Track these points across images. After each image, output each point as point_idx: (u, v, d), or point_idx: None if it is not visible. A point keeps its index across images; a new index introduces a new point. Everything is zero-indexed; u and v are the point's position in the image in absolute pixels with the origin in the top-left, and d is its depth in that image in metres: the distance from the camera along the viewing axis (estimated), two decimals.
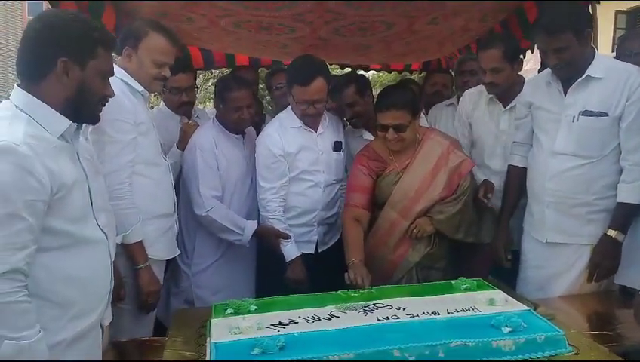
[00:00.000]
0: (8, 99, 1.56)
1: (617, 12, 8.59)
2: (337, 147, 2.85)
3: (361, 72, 4.49)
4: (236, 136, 2.86)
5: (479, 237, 2.56)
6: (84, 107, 1.60)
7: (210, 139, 2.75)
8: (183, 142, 2.87)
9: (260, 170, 2.71)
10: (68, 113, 1.56)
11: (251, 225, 2.71)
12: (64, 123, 1.55)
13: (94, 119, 1.67)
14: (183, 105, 3.07)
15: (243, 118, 2.77)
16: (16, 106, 1.51)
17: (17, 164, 1.39)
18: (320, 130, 2.78)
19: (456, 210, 2.46)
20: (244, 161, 2.84)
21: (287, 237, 2.69)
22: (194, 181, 2.70)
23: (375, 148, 2.61)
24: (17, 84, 1.56)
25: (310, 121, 2.72)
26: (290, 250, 2.68)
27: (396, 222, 2.51)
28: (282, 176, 2.69)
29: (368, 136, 3.02)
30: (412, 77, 6.07)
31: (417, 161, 2.51)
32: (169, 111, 3.08)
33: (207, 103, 10.58)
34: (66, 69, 1.52)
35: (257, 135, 2.88)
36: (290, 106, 2.78)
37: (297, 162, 2.71)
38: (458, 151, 2.56)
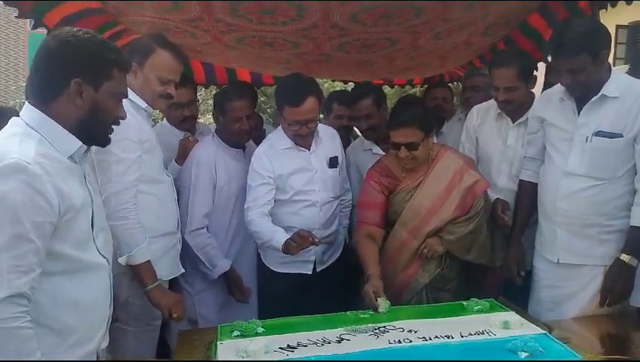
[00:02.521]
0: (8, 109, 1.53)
1: (618, 26, 8.63)
2: (333, 163, 2.77)
3: None
4: (236, 149, 2.82)
5: (492, 260, 2.50)
6: (95, 128, 1.57)
7: (209, 154, 2.71)
8: (181, 157, 2.83)
9: (248, 192, 2.63)
10: (79, 134, 1.53)
11: (222, 267, 2.66)
12: (75, 144, 1.52)
13: (105, 141, 1.64)
14: (186, 120, 3.03)
15: (243, 129, 2.73)
16: (27, 124, 1.48)
17: (28, 183, 1.35)
18: (313, 147, 2.70)
19: (468, 231, 2.41)
20: (246, 175, 2.77)
21: (248, 293, 2.68)
22: (186, 199, 2.65)
23: (387, 163, 2.57)
24: (29, 101, 1.52)
25: (302, 141, 2.65)
26: (280, 240, 2.38)
27: (406, 241, 2.46)
28: (266, 197, 2.59)
29: (377, 150, 2.97)
30: (412, 91, 6.07)
31: (430, 180, 2.46)
32: (169, 128, 3.04)
33: (207, 116, 10.61)
34: (79, 90, 1.49)
35: None
36: (280, 125, 2.71)
37: (291, 183, 2.63)
38: (473, 170, 2.52)
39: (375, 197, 2.52)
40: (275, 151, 2.64)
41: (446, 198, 2.43)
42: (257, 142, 2.99)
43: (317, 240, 2.34)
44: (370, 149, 3.04)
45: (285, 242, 2.36)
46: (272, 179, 2.60)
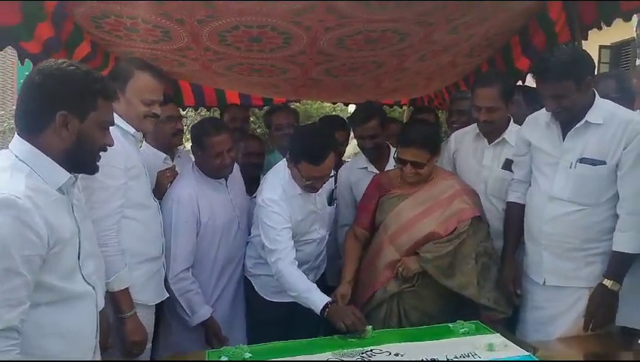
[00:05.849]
0: None
1: (601, 47, 8.73)
2: (330, 200, 2.78)
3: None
4: (218, 180, 2.73)
5: (477, 294, 2.38)
6: (83, 158, 1.58)
7: (189, 190, 2.61)
8: (158, 192, 2.68)
9: (269, 235, 2.50)
10: (66, 164, 1.53)
11: (203, 315, 2.57)
12: (64, 175, 1.53)
13: (93, 169, 1.64)
14: (177, 134, 2.99)
15: (225, 163, 2.63)
16: (17, 156, 1.48)
17: (18, 217, 1.36)
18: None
19: (446, 252, 2.39)
20: (230, 205, 2.75)
21: (225, 341, 2.55)
22: (168, 238, 2.55)
23: (390, 174, 2.70)
24: (18, 133, 1.53)
25: (312, 190, 2.59)
26: (316, 301, 2.32)
27: (384, 244, 2.51)
28: (291, 241, 2.52)
29: (372, 168, 3.03)
30: (401, 111, 6.13)
31: (422, 193, 2.52)
32: (152, 151, 2.90)
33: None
34: (65, 122, 1.50)
35: (259, 177, 2.76)
36: (288, 166, 2.60)
37: (300, 228, 2.62)
38: (467, 198, 2.52)
39: (369, 201, 2.65)
40: (288, 197, 2.56)
41: (429, 214, 2.47)
42: (258, 170, 2.93)
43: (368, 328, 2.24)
44: (366, 168, 3.08)
45: (329, 308, 2.27)
46: (291, 224, 2.55)
